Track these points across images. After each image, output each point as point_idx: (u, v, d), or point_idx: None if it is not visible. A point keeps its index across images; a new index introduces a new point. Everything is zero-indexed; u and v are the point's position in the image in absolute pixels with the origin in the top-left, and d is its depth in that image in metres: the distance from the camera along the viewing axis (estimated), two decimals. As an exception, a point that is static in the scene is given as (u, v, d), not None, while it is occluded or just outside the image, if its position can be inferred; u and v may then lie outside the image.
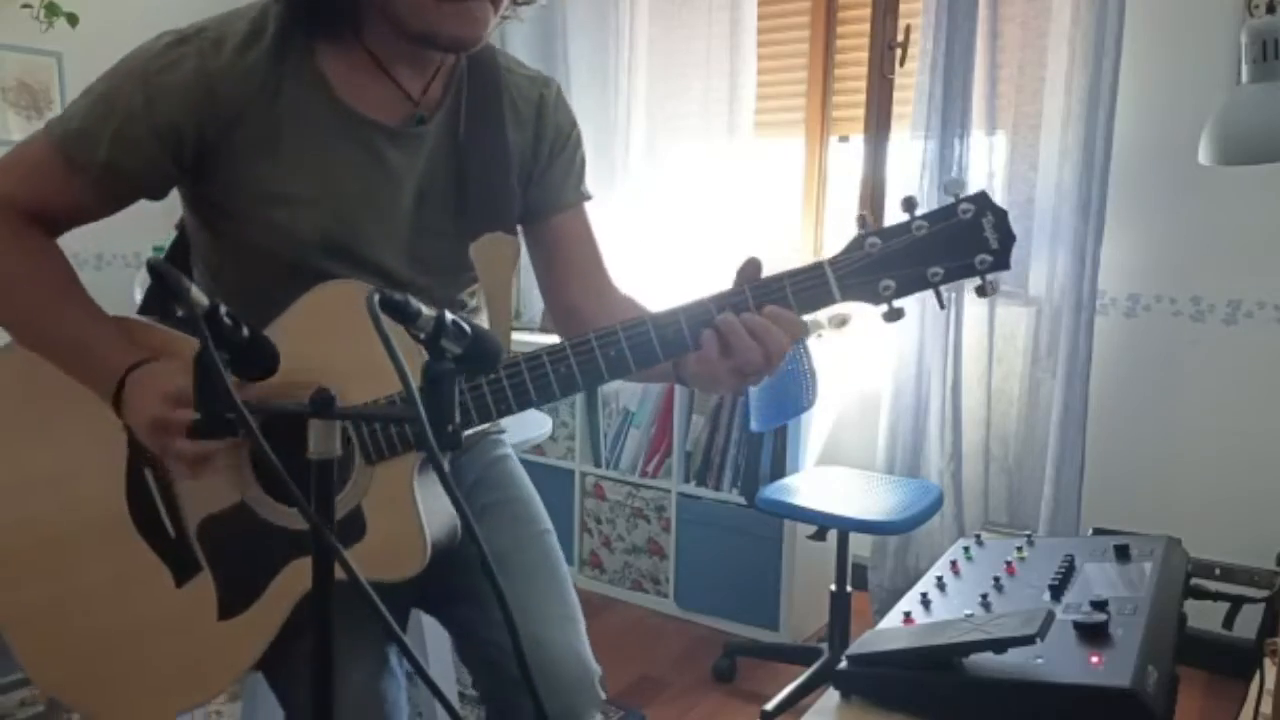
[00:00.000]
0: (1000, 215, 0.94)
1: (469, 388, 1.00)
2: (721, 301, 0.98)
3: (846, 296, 0.96)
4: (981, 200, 0.94)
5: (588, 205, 1.26)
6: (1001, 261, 0.94)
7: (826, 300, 0.97)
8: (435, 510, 1.08)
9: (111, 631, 1.11)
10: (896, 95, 3.07)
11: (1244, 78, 1.19)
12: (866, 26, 3.10)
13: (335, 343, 1.03)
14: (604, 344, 0.98)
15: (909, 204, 0.95)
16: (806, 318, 0.99)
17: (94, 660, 1.12)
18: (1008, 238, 0.94)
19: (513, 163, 1.15)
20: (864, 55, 3.12)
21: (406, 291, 0.96)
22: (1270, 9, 2.46)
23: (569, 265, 1.22)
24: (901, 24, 3.02)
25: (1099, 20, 2.54)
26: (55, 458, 1.11)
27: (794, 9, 3.26)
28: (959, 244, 0.94)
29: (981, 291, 0.96)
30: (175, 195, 1.15)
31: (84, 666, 1.12)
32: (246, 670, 1.10)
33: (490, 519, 1.25)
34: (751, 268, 0.99)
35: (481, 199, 1.12)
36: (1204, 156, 1.23)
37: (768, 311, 0.96)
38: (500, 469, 1.32)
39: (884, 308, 0.97)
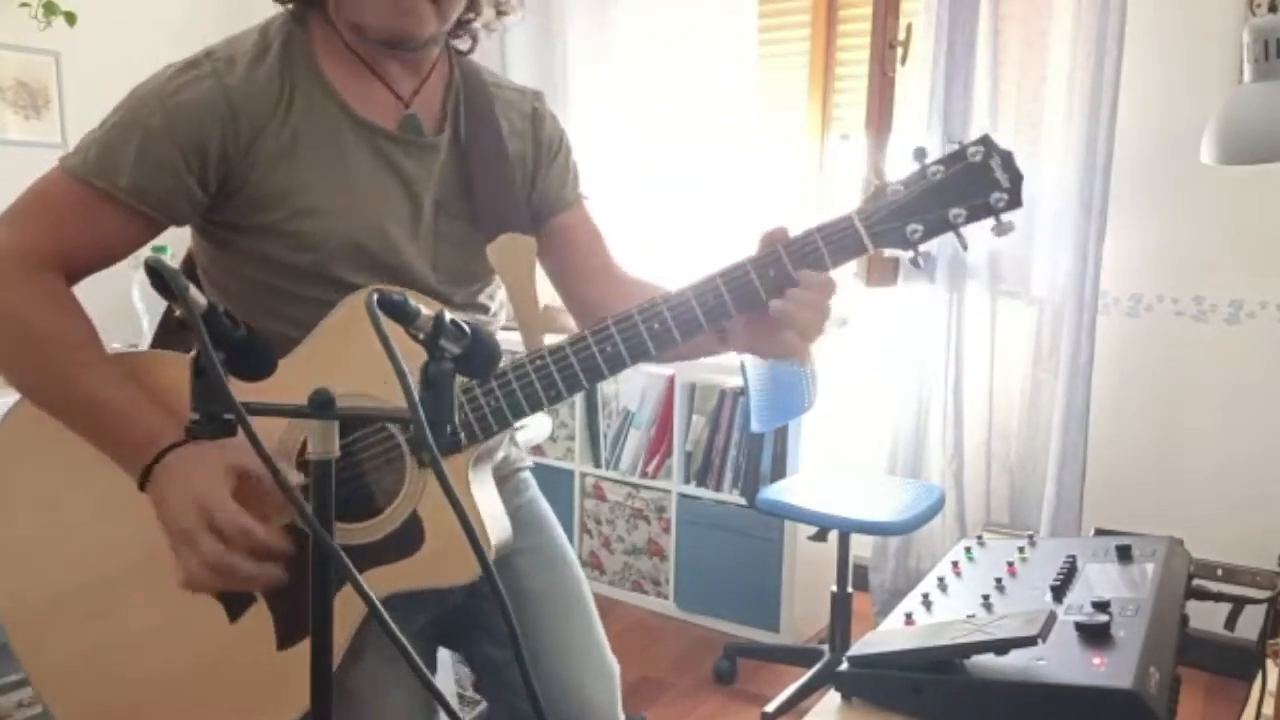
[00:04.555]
0: (1006, 156, 0.98)
1: (519, 377, 1.02)
2: (759, 264, 1.01)
3: (877, 244, 1.00)
4: (987, 142, 0.99)
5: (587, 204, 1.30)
6: (1015, 199, 0.98)
7: (859, 250, 1.00)
8: (493, 513, 1.07)
9: (165, 676, 1.06)
10: (898, 94, 3.06)
11: (1246, 77, 1.18)
12: (867, 25, 3.10)
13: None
14: (647, 317, 1.01)
15: (920, 154, 1.00)
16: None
17: (147, 710, 1.07)
18: (1017, 176, 0.98)
19: (514, 170, 1.18)
20: (865, 54, 3.12)
21: (437, 301, 1.02)
22: (1272, 8, 2.46)
23: (579, 259, 1.25)
24: (902, 22, 3.02)
25: (1100, 18, 2.53)
26: (89, 502, 1.06)
27: (794, 8, 3.25)
28: (974, 185, 0.98)
29: (998, 231, 1.00)
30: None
31: (137, 718, 1.08)
32: None
33: (525, 562, 1.24)
34: (780, 232, 1.02)
35: (492, 204, 1.14)
36: (1206, 156, 1.23)
37: (802, 276, 1.00)
38: (532, 511, 1.31)
39: (911, 253, 1.01)
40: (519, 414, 1.03)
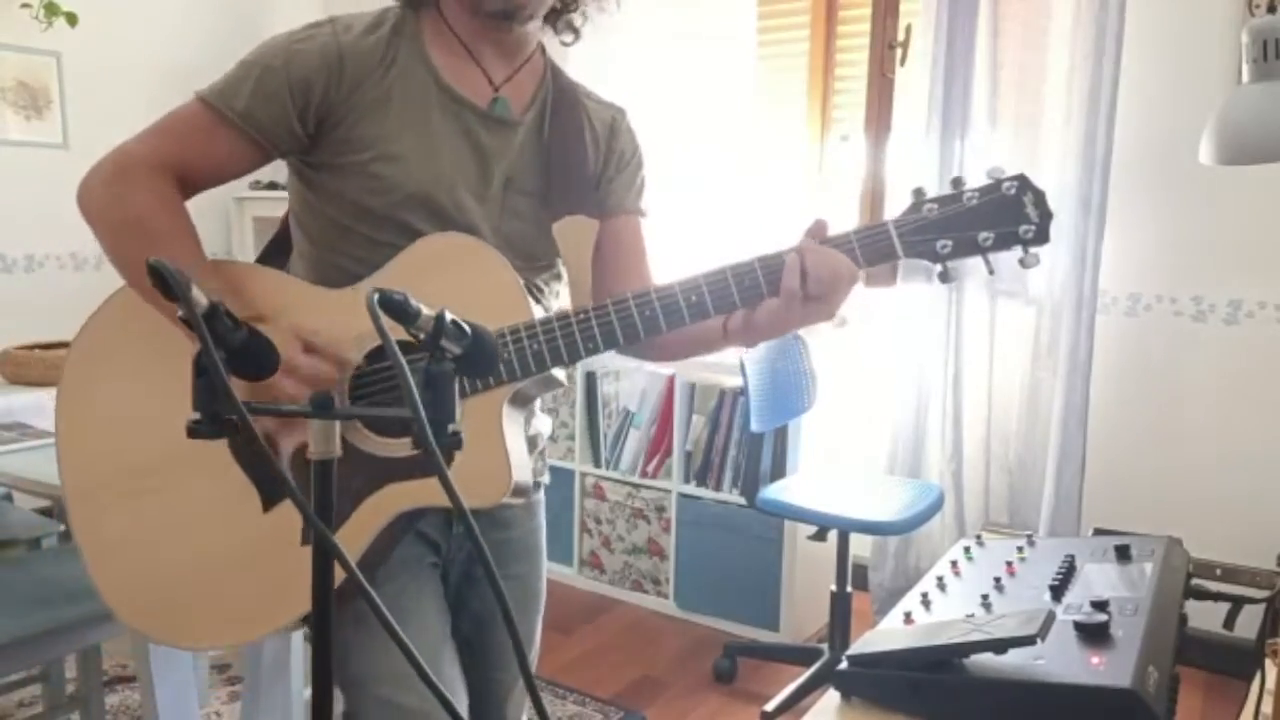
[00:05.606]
0: (1039, 194, 1.07)
1: (562, 327, 1.10)
2: (795, 252, 1.09)
3: (908, 253, 1.08)
4: (1023, 180, 1.07)
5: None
6: (1042, 235, 1.07)
7: (890, 255, 1.09)
8: (518, 454, 1.13)
9: (200, 559, 1.15)
10: (897, 94, 3.07)
11: (1245, 77, 1.18)
12: (866, 26, 3.10)
13: (446, 284, 1.13)
14: (686, 289, 1.10)
15: (958, 181, 1.08)
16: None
17: (178, 585, 1.16)
18: (1046, 214, 1.06)
19: (589, 167, 1.29)
20: (864, 54, 3.12)
21: None
22: (1271, 8, 2.46)
23: (620, 263, 1.32)
24: (902, 22, 3.02)
25: (1100, 19, 2.54)
26: (161, 390, 1.16)
27: (794, 9, 3.26)
28: (1005, 215, 1.06)
29: (1023, 263, 1.08)
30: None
31: (168, 592, 1.16)
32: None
33: (508, 589, 1.30)
34: (819, 226, 1.10)
35: (564, 187, 1.26)
36: (1205, 156, 1.23)
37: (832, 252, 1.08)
38: (534, 539, 1.40)
39: (939, 268, 1.09)
40: (557, 360, 1.12)
